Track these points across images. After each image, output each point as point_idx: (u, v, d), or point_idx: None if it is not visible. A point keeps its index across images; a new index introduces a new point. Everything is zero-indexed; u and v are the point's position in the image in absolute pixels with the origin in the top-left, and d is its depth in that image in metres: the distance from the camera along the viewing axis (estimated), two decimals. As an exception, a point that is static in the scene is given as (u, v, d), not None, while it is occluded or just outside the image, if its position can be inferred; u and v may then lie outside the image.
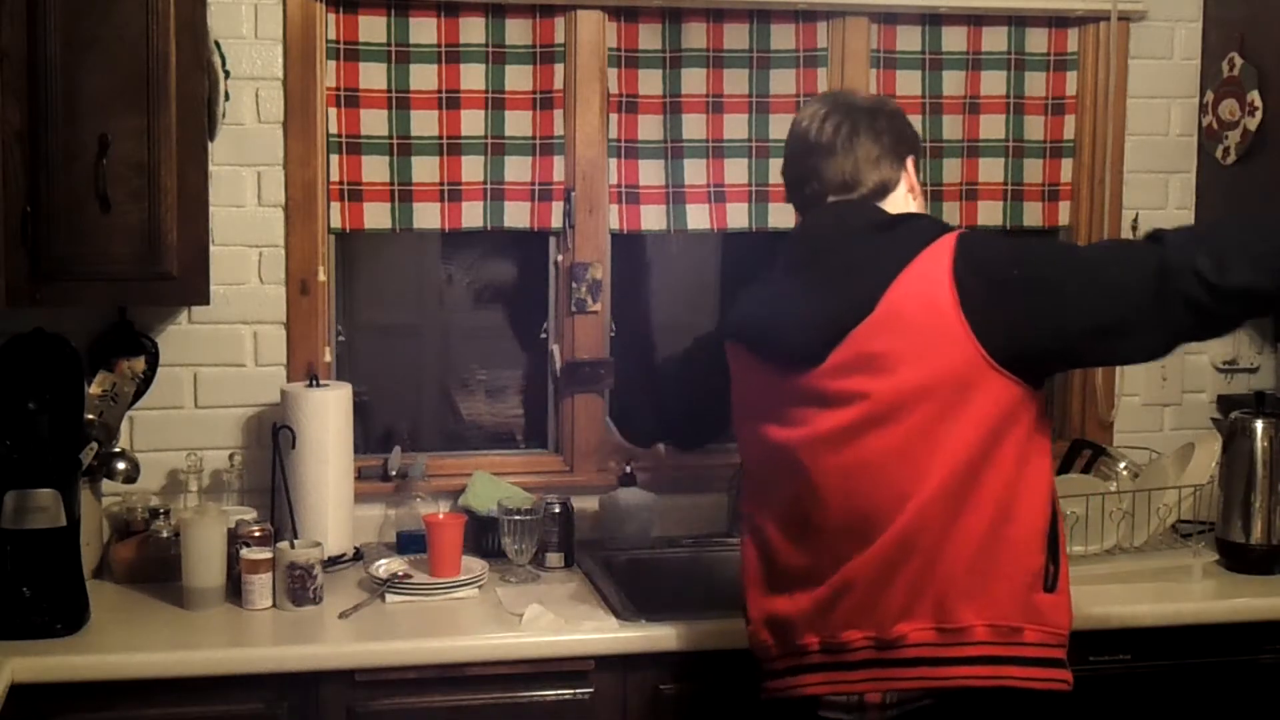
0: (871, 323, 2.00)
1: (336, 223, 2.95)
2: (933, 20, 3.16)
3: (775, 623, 2.13)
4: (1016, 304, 1.98)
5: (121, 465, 2.75)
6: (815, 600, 2.05)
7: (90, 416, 2.66)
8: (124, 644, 2.36)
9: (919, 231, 2.06)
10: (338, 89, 2.94)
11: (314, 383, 2.82)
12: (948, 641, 1.99)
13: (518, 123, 3.01)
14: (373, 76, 2.95)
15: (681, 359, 2.54)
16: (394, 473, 2.98)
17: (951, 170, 3.19)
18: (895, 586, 1.99)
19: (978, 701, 1.99)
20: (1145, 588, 2.72)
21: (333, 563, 2.73)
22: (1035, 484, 2.02)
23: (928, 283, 2.00)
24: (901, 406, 1.98)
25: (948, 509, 1.97)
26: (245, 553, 2.54)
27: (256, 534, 2.60)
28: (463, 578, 2.65)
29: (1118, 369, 3.26)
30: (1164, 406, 3.32)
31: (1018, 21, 3.19)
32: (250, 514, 2.72)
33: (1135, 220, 3.27)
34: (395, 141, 2.96)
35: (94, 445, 2.64)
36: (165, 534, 2.71)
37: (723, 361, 2.25)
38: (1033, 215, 3.25)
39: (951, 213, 3.20)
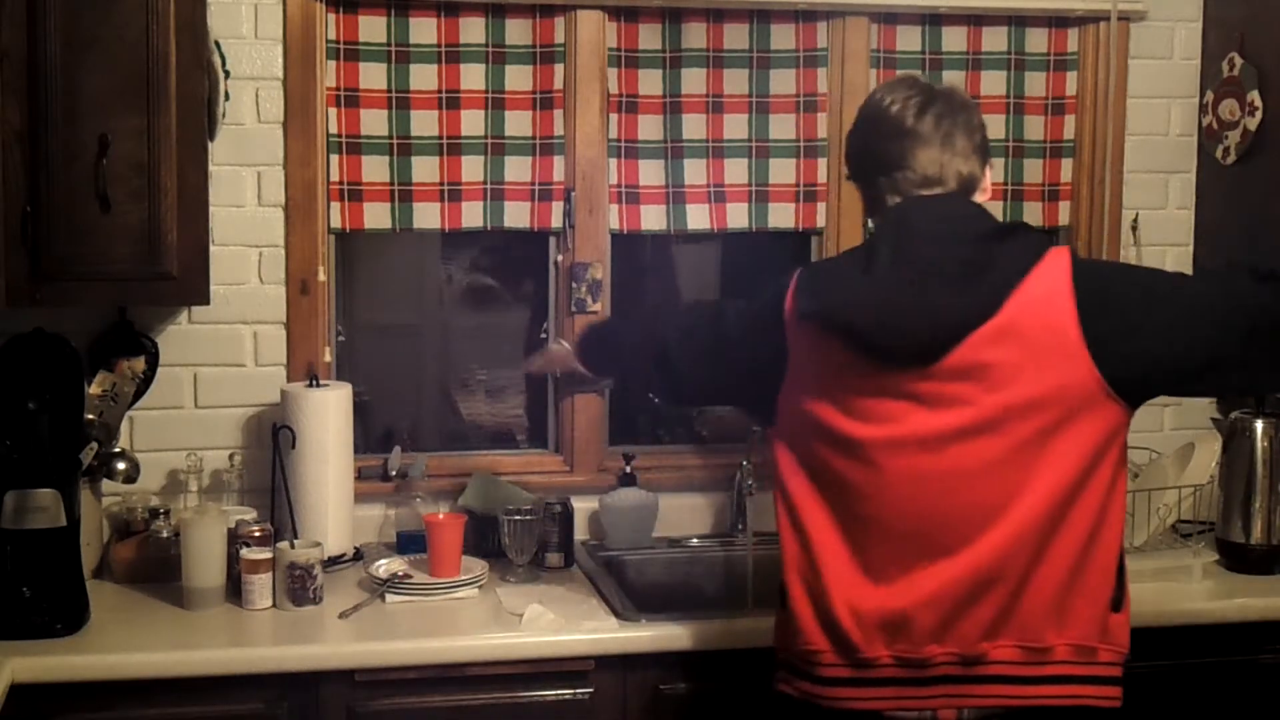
0: (988, 330, 1.94)
1: (336, 223, 2.95)
2: (933, 20, 3.16)
3: (832, 628, 2.01)
4: (1140, 332, 1.95)
5: (121, 465, 2.75)
6: (888, 611, 1.97)
7: (90, 416, 2.66)
8: (124, 644, 2.35)
9: (1031, 244, 2.01)
10: (338, 89, 2.94)
11: (314, 383, 2.82)
12: (1030, 660, 1.97)
13: (518, 123, 3.01)
14: (373, 76, 2.95)
15: (713, 329, 2.25)
16: (394, 473, 2.98)
17: (951, 170, 3.19)
18: (984, 605, 1.96)
19: (1045, 719, 1.99)
20: (1145, 588, 2.71)
21: (333, 563, 2.73)
22: (1119, 506, 2.01)
23: (1048, 298, 1.95)
24: (1007, 420, 1.94)
25: (1043, 530, 1.94)
26: (245, 553, 2.54)
27: (256, 534, 2.60)
28: (463, 578, 2.65)
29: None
30: (1164, 406, 3.31)
31: (1018, 21, 3.19)
32: (250, 514, 2.72)
33: (1135, 220, 3.27)
34: (395, 141, 2.96)
35: (94, 445, 2.64)
36: (165, 534, 2.71)
37: (771, 345, 2.09)
38: (1033, 215, 3.24)
39: (951, 213, 3.20)
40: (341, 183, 2.95)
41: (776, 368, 2.08)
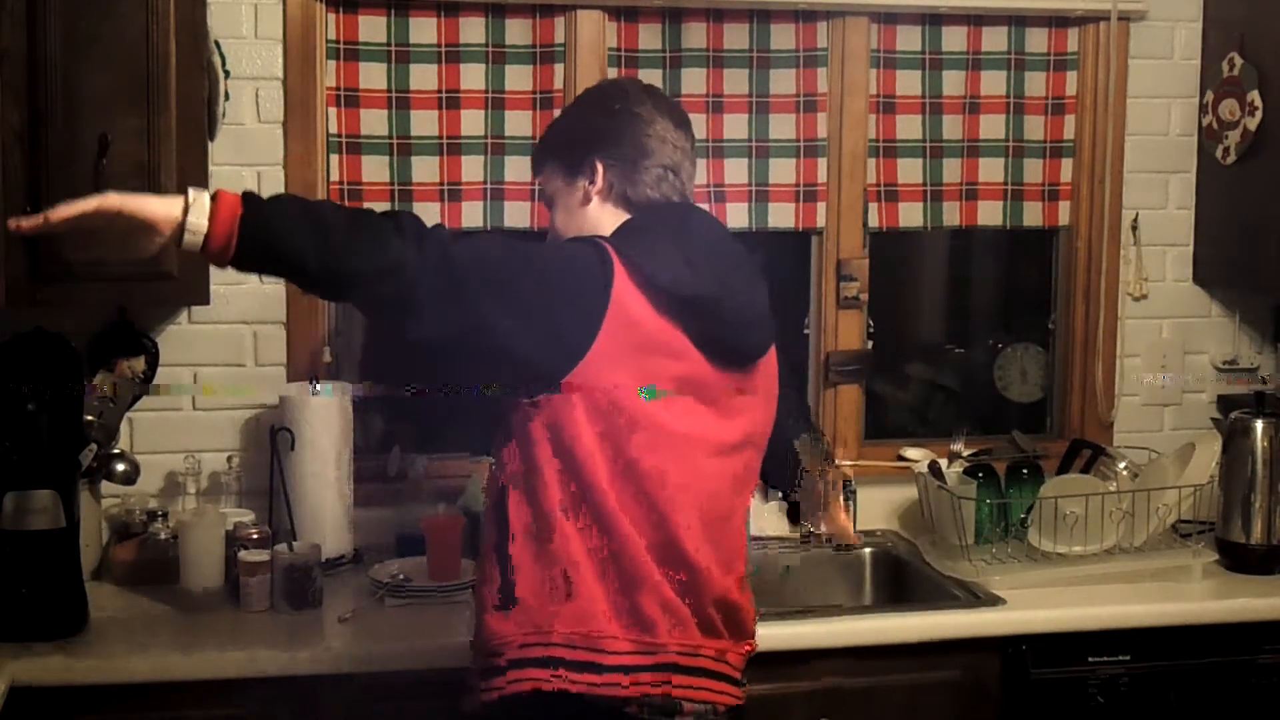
0: (768, 354, 2.09)
1: (336, 223, 2.94)
2: (933, 20, 3.16)
3: (635, 612, 1.94)
4: None
5: (121, 466, 2.74)
6: (673, 606, 1.95)
7: (90, 417, 2.66)
8: (122, 647, 2.35)
9: None
10: (338, 89, 2.94)
11: (313, 384, 2.81)
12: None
13: (518, 123, 3.01)
14: (373, 76, 2.94)
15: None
16: (394, 474, 2.97)
17: (951, 170, 3.19)
18: (719, 610, 2.01)
19: None
20: (1145, 588, 2.72)
21: (332, 565, 2.73)
22: None
23: (773, 346, 2.14)
24: (749, 444, 2.05)
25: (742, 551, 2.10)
26: (243, 555, 2.54)
27: (254, 536, 2.60)
28: (463, 581, 2.64)
29: (1119, 367, 3.27)
30: (1164, 406, 3.32)
31: (1018, 21, 3.19)
32: (248, 516, 2.72)
33: (1135, 220, 3.27)
34: (395, 141, 2.96)
35: (93, 446, 2.64)
36: (164, 536, 2.71)
37: (590, 303, 1.90)
38: (1033, 215, 3.25)
39: (952, 213, 3.20)
40: (341, 183, 2.94)
41: (587, 330, 1.89)
